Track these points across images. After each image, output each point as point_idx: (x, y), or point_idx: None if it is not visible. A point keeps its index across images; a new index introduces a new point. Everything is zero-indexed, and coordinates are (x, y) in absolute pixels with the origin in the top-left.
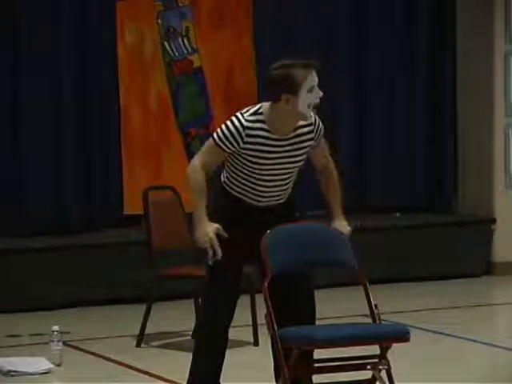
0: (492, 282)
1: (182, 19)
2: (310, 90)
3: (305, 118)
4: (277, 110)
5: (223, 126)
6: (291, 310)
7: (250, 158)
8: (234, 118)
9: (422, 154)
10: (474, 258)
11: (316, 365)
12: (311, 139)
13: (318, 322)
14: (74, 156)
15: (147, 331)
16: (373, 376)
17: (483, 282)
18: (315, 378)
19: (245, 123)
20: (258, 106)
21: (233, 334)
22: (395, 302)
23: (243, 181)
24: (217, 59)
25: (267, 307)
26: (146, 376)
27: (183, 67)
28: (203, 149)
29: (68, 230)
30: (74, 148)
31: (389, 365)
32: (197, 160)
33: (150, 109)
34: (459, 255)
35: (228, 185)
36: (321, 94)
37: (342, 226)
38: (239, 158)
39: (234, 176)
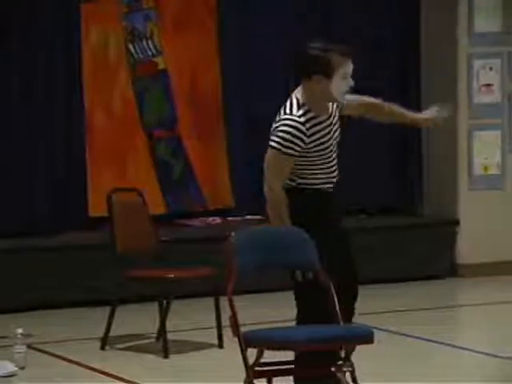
0: (456, 284)
1: (147, 21)
2: (344, 77)
3: (336, 100)
4: (310, 91)
5: (281, 134)
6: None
7: (315, 147)
8: (287, 121)
9: (388, 157)
10: (438, 259)
11: (279, 367)
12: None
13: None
14: (39, 157)
15: (112, 334)
16: (337, 378)
17: (447, 284)
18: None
19: (300, 119)
20: (295, 100)
21: (197, 336)
22: (359, 304)
23: (315, 166)
24: (181, 61)
25: (232, 309)
26: (110, 378)
27: (148, 69)
28: (271, 164)
29: (33, 232)
30: (39, 149)
31: (353, 366)
32: (272, 180)
33: (115, 110)
34: (424, 257)
35: (300, 183)
36: (352, 83)
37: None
38: (306, 151)
39: (305, 169)
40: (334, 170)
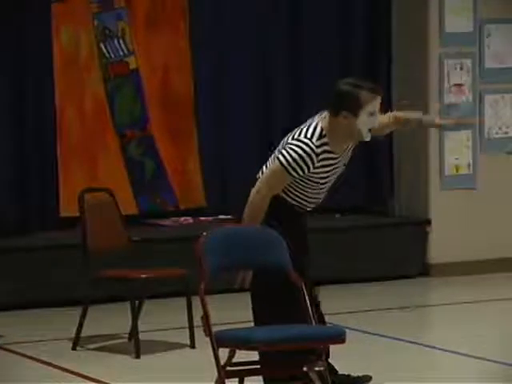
0: (427, 284)
1: (118, 21)
2: (371, 114)
3: (361, 138)
4: (335, 126)
5: (292, 152)
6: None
7: (314, 179)
8: (302, 145)
9: (359, 156)
10: (409, 259)
11: (251, 367)
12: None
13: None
14: (10, 157)
15: (83, 334)
16: (309, 377)
17: (419, 283)
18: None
19: (316, 150)
20: (319, 128)
21: (169, 336)
22: (331, 304)
23: (303, 192)
24: (153, 61)
25: (204, 309)
26: (81, 378)
27: (119, 69)
28: (269, 175)
29: (4, 232)
30: (10, 149)
31: (325, 366)
32: (264, 188)
33: (86, 110)
34: (395, 257)
35: (280, 194)
36: (378, 121)
37: (430, 117)
38: (302, 178)
39: (294, 189)
40: (319, 198)
